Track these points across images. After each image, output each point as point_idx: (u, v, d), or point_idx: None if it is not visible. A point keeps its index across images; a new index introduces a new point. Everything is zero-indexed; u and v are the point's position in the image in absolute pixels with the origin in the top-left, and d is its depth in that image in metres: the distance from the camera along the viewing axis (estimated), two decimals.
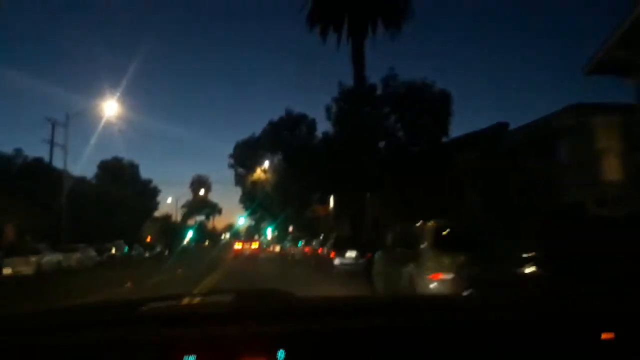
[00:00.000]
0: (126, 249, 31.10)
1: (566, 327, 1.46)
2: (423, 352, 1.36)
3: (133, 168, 57.08)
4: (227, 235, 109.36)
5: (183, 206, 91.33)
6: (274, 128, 44.57)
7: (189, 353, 1.25)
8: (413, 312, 1.63)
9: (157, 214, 71.07)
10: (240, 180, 49.54)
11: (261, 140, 44.85)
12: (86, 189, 33.43)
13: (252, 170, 47.67)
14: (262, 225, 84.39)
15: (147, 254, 40.80)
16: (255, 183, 48.12)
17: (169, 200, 73.78)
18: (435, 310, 1.66)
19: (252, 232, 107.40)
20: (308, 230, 42.63)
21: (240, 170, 48.78)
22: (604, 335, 1.40)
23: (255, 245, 41.94)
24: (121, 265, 25.81)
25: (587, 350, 1.40)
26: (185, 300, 2.12)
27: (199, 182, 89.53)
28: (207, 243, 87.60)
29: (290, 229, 47.86)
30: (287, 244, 31.36)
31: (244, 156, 47.00)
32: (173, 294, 2.15)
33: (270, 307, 1.59)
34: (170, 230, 69.09)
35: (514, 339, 1.40)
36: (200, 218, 79.06)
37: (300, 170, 40.88)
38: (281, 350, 1.27)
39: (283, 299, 1.67)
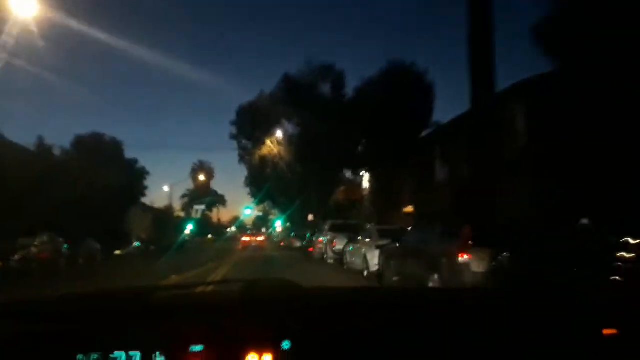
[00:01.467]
0: (65, 246, 20.04)
1: (567, 322, 1.43)
2: (431, 346, 1.33)
3: (116, 146, 46.24)
4: (233, 229, 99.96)
5: (184, 196, 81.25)
6: (290, 84, 33.57)
7: (196, 343, 1.26)
8: (423, 306, 1.61)
9: (157, 205, 61.08)
10: (245, 156, 38.42)
11: (273, 100, 33.82)
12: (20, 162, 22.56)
13: (260, 142, 36.52)
14: (272, 216, 74.53)
15: (118, 252, 29.98)
16: (264, 159, 36.99)
17: (166, 188, 62.63)
18: (443, 305, 1.65)
19: (259, 225, 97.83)
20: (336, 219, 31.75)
21: (245, 142, 37.65)
22: (606, 332, 1.37)
23: (261, 238, 42.33)
24: (30, 279, 15.04)
25: (589, 347, 1.36)
26: (194, 290, 2.05)
27: (200, 168, 78.86)
28: (210, 237, 76.68)
29: (311, 217, 36.84)
30: (324, 237, 19.36)
31: (251, 123, 35.94)
32: (182, 284, 2.34)
33: (278, 297, 1.55)
34: (164, 221, 58.30)
35: (514, 334, 1.37)
36: (200, 207, 68.02)
37: (328, 135, 29.95)
38: (286, 341, 1.27)
39: (291, 290, 1.59)
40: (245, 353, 1.27)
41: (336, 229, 18.65)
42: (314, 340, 1.31)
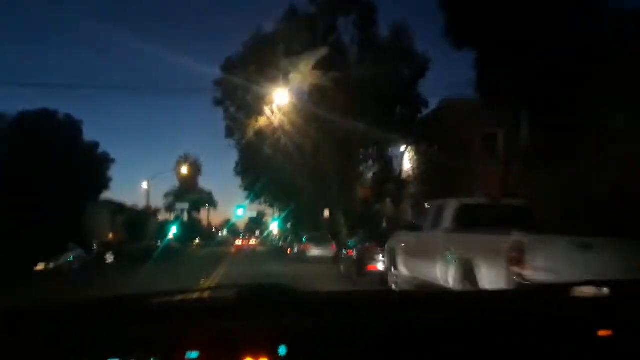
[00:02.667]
0: None
1: (562, 323, 1.40)
2: (425, 350, 1.32)
3: (72, 126, 35.99)
4: (225, 232, 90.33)
5: (167, 194, 70.80)
6: (296, 20, 23.53)
7: (192, 349, 1.25)
8: (418, 309, 1.59)
9: (139, 205, 50.64)
10: (235, 130, 27.93)
11: (273, 41, 23.66)
12: None
13: (255, 110, 25.93)
14: (267, 217, 64.88)
15: (40, 268, 19.66)
16: (260, 134, 26.43)
17: (145, 185, 52.09)
18: (436, 307, 1.61)
19: (253, 227, 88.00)
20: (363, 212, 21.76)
21: (233, 110, 27.16)
22: (602, 333, 1.35)
23: (252, 242, 43.33)
24: None
25: (584, 348, 1.34)
26: (189, 296, 2.04)
27: (185, 161, 68.30)
28: (197, 242, 65.39)
29: (327, 213, 26.63)
30: (441, 245, 7.71)
31: (242, 83, 25.51)
32: (177, 290, 2.04)
33: (273, 302, 1.53)
34: (138, 223, 47.82)
35: (509, 336, 1.35)
36: (183, 206, 57.45)
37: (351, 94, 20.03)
38: (282, 346, 1.26)
39: (286, 294, 1.58)
40: (241, 359, 1.25)
41: (476, 222, 7.00)
42: (310, 345, 1.30)
